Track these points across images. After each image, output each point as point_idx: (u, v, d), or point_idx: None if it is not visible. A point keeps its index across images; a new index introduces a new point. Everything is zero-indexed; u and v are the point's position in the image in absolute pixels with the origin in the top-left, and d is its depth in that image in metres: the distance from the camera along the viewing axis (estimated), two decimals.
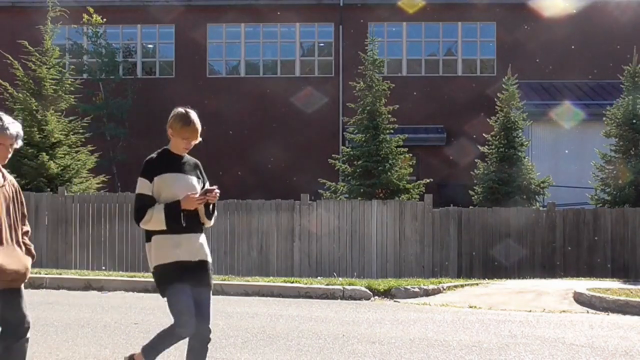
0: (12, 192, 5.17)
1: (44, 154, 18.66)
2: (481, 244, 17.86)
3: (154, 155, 5.62)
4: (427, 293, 12.81)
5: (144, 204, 5.42)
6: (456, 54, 30.59)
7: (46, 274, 13.66)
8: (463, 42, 30.50)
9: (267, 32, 30.74)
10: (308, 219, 17.52)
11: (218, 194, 5.52)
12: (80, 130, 20.13)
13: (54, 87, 19.88)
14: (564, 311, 11.34)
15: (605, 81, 28.46)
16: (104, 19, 28.75)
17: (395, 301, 12.31)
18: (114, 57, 29.79)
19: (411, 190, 20.10)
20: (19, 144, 5.12)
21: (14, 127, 5.07)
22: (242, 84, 30.18)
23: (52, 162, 18.66)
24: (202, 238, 5.63)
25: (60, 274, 13.85)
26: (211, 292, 5.62)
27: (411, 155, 21.43)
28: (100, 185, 20.05)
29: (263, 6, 30.11)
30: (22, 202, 5.26)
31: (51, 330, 8.69)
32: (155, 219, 5.39)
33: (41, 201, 17.36)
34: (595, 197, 20.71)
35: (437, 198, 20.47)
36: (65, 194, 17.55)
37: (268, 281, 13.30)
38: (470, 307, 11.55)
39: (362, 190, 19.86)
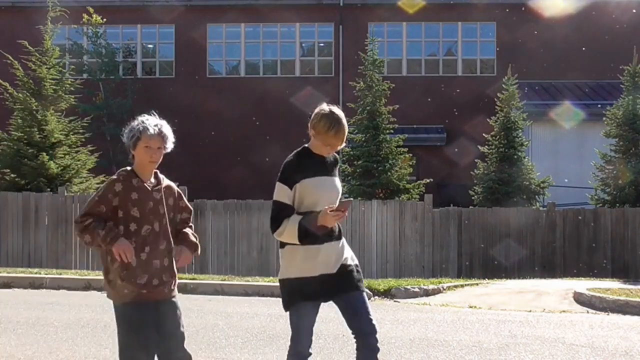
0: (165, 197, 4.87)
1: (44, 154, 18.65)
2: (481, 244, 17.85)
3: (292, 157, 5.06)
4: (427, 293, 12.81)
5: (280, 213, 4.89)
6: (456, 54, 30.59)
7: (46, 274, 13.67)
8: (463, 42, 30.50)
9: (267, 32, 30.74)
10: None
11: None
12: (80, 130, 20.13)
13: (54, 87, 19.87)
14: (564, 311, 11.33)
15: (605, 81, 28.47)
16: (104, 19, 28.76)
17: (395, 301, 12.31)
18: (114, 57, 29.79)
19: (411, 190, 20.10)
20: (168, 146, 4.84)
21: (157, 127, 4.80)
22: (242, 84, 30.17)
23: (52, 162, 18.66)
24: (342, 243, 5.04)
25: (60, 274, 13.85)
26: (364, 295, 5.06)
27: (411, 155, 21.43)
28: (100, 185, 20.03)
29: (263, 6, 30.11)
30: (183, 206, 4.99)
31: (51, 330, 8.69)
32: (289, 233, 4.83)
33: (41, 201, 17.36)
34: (595, 197, 20.71)
35: (437, 198, 20.48)
36: (65, 194, 17.55)
37: (268, 281, 13.30)
38: (470, 307, 11.55)
39: (362, 190, 19.86)
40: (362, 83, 21.13)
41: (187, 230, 5.01)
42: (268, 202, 17.65)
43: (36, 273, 13.81)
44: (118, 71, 30.11)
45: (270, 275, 15.56)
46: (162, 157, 4.81)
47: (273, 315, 10.13)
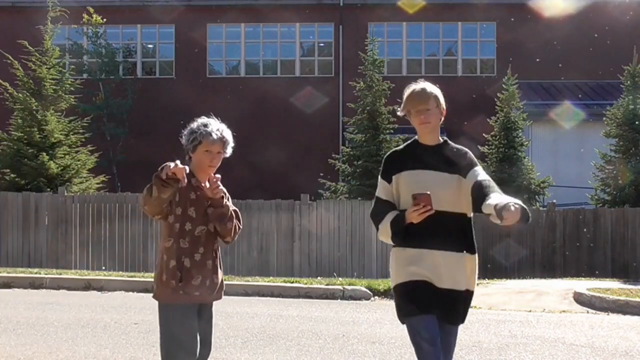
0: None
1: (44, 154, 18.66)
2: (481, 244, 17.82)
3: (398, 148, 4.61)
4: None
5: (378, 209, 4.48)
6: (456, 54, 30.59)
7: (46, 274, 13.67)
8: (463, 42, 30.50)
9: (267, 32, 30.74)
10: (308, 219, 17.51)
11: (429, 209, 4.26)
12: (80, 130, 20.13)
13: (54, 87, 19.88)
14: (564, 311, 11.34)
15: (605, 81, 28.46)
16: (104, 19, 28.76)
17: None
18: (114, 57, 29.79)
19: None
20: (228, 151, 4.77)
21: (219, 132, 4.68)
22: (242, 84, 30.17)
23: (52, 162, 18.66)
24: (464, 260, 4.40)
25: (60, 274, 13.85)
26: (457, 330, 4.55)
27: None
28: (100, 185, 20.05)
29: (263, 6, 30.11)
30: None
31: (51, 330, 8.69)
32: (383, 230, 4.43)
33: (41, 201, 17.36)
34: (595, 197, 20.71)
35: None
36: (65, 194, 17.55)
37: (268, 281, 13.31)
38: (470, 307, 11.54)
39: (362, 190, 19.86)
40: (362, 83, 21.13)
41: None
42: (268, 202, 17.67)
43: (36, 273, 13.82)
44: (118, 71, 30.11)
45: (270, 275, 15.57)
46: (220, 161, 4.75)
47: (273, 315, 10.13)
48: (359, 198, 19.20)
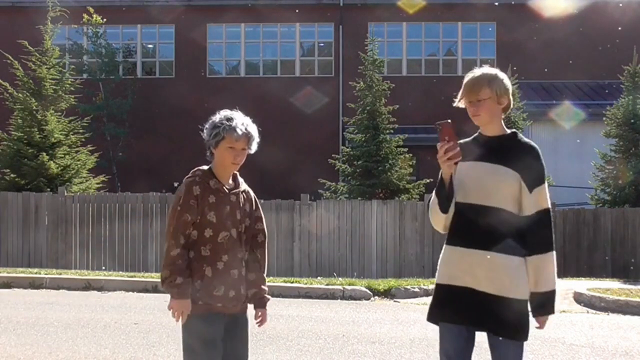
0: (242, 202, 4.41)
1: (44, 154, 18.65)
2: None
3: (462, 140, 4.28)
4: (427, 293, 12.80)
5: (432, 194, 4.18)
6: (456, 54, 30.59)
7: (46, 274, 13.67)
8: (463, 42, 30.50)
9: (267, 32, 30.74)
10: (308, 219, 17.51)
11: (455, 153, 3.93)
12: (80, 130, 20.13)
13: (54, 87, 19.88)
14: (564, 311, 11.33)
15: (605, 81, 28.47)
16: (104, 19, 28.76)
17: (395, 301, 12.31)
18: (114, 57, 29.80)
19: (411, 190, 20.10)
20: (252, 148, 4.38)
21: (244, 127, 4.33)
22: (242, 84, 30.17)
23: (52, 162, 18.66)
24: (510, 262, 3.94)
25: (60, 274, 13.85)
26: (520, 348, 4.24)
27: (411, 155, 21.43)
28: (100, 185, 20.05)
29: (263, 6, 30.11)
30: (258, 217, 4.51)
31: (51, 330, 8.69)
32: (433, 211, 4.17)
33: (41, 201, 17.36)
34: (595, 197, 20.71)
35: None
36: (65, 194, 17.55)
37: (268, 281, 13.26)
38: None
39: (362, 190, 19.86)
40: (362, 83, 21.12)
41: (262, 261, 4.61)
42: (268, 202, 17.66)
43: (36, 273, 13.81)
44: (118, 71, 30.11)
45: (270, 275, 15.55)
46: (245, 158, 4.40)
47: (273, 316, 10.11)
48: (359, 198, 19.20)
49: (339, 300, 12.25)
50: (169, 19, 29.94)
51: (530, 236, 3.94)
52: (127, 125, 28.89)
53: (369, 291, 12.57)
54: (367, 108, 20.74)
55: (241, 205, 4.40)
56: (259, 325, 4.56)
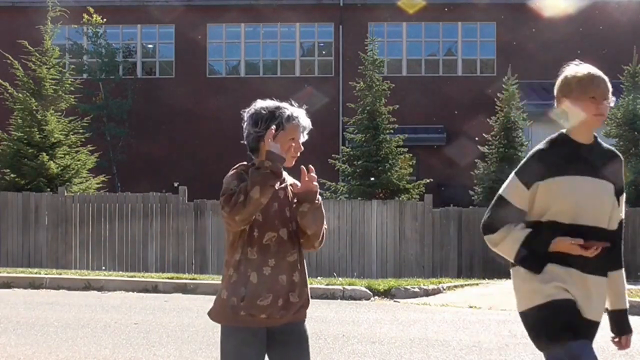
0: (291, 197, 3.95)
1: (44, 154, 18.66)
2: (481, 244, 17.81)
3: (543, 145, 3.66)
4: (427, 293, 12.81)
5: (503, 215, 3.66)
6: (456, 54, 30.59)
7: (46, 274, 13.67)
8: (463, 42, 30.50)
9: (267, 32, 30.74)
10: None
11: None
12: (80, 130, 20.13)
13: (54, 87, 19.88)
14: None
15: None
16: (104, 19, 28.75)
17: (395, 301, 12.31)
18: (114, 57, 29.79)
19: (411, 191, 20.10)
20: (303, 136, 4.08)
21: (304, 119, 4.10)
22: (242, 84, 30.15)
23: (52, 162, 18.66)
24: (605, 286, 3.68)
25: (60, 274, 13.85)
26: None
27: (411, 155, 21.43)
28: (100, 185, 20.05)
29: (263, 6, 30.10)
30: None
31: (51, 330, 8.69)
32: (505, 247, 3.72)
33: (41, 201, 17.36)
34: None
35: (437, 198, 20.46)
36: (65, 194, 17.55)
37: None
38: (470, 307, 11.55)
39: (362, 190, 19.87)
40: (362, 83, 21.12)
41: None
42: None
43: (36, 273, 13.81)
44: (118, 71, 30.11)
45: None
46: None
47: None
48: (359, 198, 19.20)
49: (338, 300, 12.25)
50: (169, 19, 29.94)
51: (614, 250, 3.72)
52: (127, 125, 28.89)
53: (369, 291, 12.57)
54: (367, 108, 20.74)
55: (290, 200, 3.91)
56: None
